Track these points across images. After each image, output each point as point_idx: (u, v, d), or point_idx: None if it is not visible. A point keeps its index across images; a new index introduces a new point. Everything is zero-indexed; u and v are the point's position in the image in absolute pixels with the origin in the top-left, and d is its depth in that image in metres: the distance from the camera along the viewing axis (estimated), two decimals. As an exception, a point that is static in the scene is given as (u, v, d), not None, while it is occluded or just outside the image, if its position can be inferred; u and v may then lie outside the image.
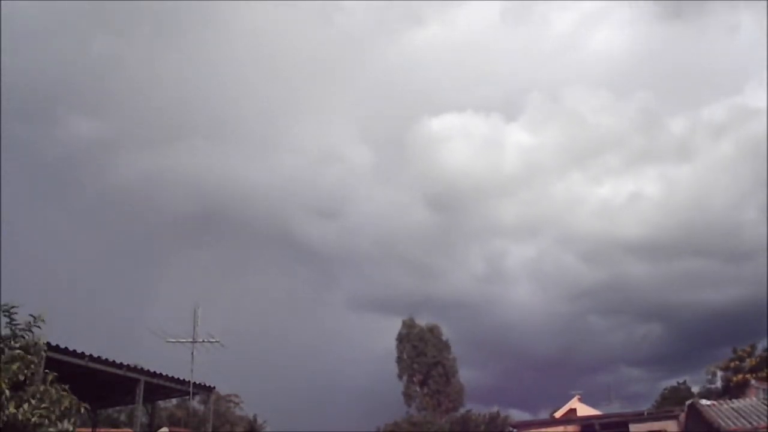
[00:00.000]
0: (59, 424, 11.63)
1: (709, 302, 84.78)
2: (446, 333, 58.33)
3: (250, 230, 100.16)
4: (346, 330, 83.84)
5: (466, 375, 58.40)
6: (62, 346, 18.14)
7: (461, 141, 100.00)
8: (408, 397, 55.01)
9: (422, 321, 58.05)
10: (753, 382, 36.43)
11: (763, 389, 32.43)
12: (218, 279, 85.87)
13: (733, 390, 41.81)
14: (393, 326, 78.83)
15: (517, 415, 56.16)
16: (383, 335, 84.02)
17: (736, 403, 26.82)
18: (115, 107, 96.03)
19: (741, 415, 24.82)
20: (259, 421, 49.75)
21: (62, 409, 11.54)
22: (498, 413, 54.16)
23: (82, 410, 12.17)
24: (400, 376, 55.81)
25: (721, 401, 29.08)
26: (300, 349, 74.46)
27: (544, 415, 53.51)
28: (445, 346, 56.65)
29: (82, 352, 19.02)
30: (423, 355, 55.28)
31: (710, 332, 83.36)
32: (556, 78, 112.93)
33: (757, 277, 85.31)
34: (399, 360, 56.18)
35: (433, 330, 56.99)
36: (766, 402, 26.65)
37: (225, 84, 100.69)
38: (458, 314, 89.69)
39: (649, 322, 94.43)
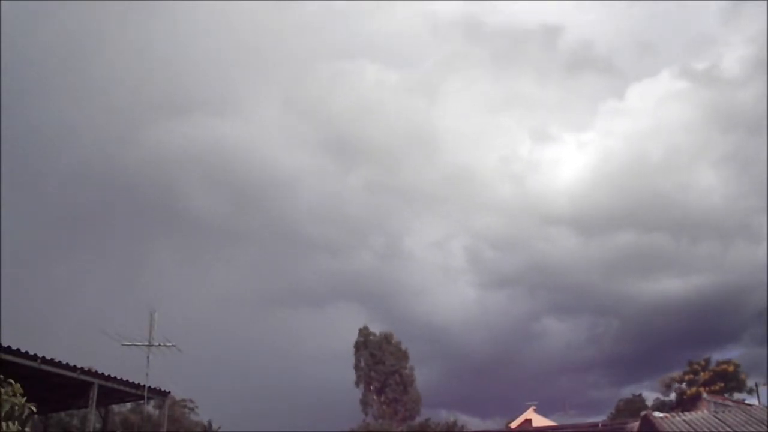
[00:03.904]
0: (4, 425, 11.36)
1: (667, 291, 77.20)
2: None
3: (151, 204, 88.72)
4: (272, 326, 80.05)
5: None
6: (14, 347, 17.85)
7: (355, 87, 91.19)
8: (365, 404, 54.95)
9: (377, 328, 58.13)
10: (705, 395, 37.02)
11: (714, 402, 33.01)
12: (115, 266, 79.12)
13: (686, 402, 42.44)
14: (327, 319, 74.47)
15: (467, 420, 56.55)
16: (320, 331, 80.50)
17: (688, 416, 27.21)
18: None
19: (692, 427, 25.19)
20: (214, 426, 49.35)
21: (7, 410, 11.27)
22: (455, 423, 54.56)
23: (27, 410, 11.88)
24: (357, 384, 55.76)
25: (674, 413, 29.49)
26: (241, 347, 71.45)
27: (496, 421, 54.09)
28: (404, 355, 56.71)
29: (34, 354, 18.69)
30: (381, 364, 55.26)
31: (672, 328, 76.57)
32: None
33: (722, 261, 77.40)
34: (356, 367, 56.15)
35: (389, 338, 57.04)
36: (716, 415, 27.11)
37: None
38: (381, 307, 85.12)
39: (601, 317, 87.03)
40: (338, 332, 66.73)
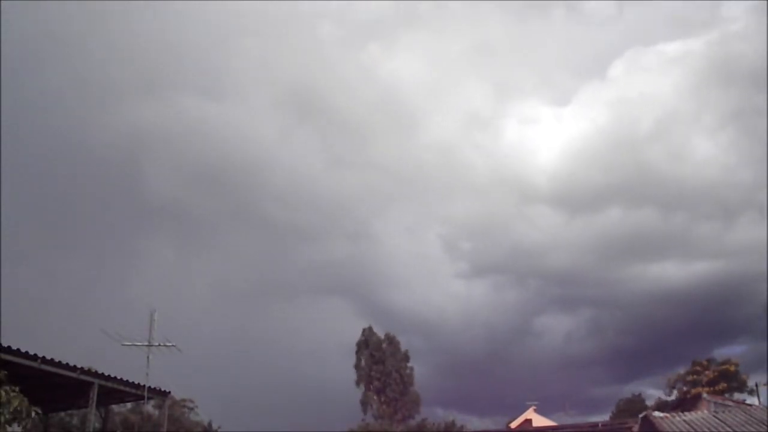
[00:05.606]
0: (8, 428, 11.35)
1: (666, 279, 73.03)
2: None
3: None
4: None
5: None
6: (14, 347, 17.82)
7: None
8: (365, 404, 54.96)
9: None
10: (705, 395, 36.99)
11: (714, 402, 32.98)
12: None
13: (686, 402, 42.42)
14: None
15: (465, 419, 56.54)
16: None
17: (688, 416, 27.21)
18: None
19: (692, 427, 25.20)
20: (214, 426, 49.35)
21: (11, 411, 11.26)
22: (453, 422, 54.58)
23: (33, 414, 11.87)
24: (357, 384, 55.76)
25: (674, 413, 29.47)
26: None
27: (495, 420, 54.05)
28: (403, 356, 56.73)
29: (35, 354, 18.67)
30: (381, 364, 55.28)
31: (675, 321, 72.76)
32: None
33: (724, 243, 73.17)
34: (357, 367, 56.16)
35: (391, 339, 57.08)
36: (716, 415, 27.12)
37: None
38: (373, 301, 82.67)
39: (599, 309, 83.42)
40: (328, 329, 65.46)
